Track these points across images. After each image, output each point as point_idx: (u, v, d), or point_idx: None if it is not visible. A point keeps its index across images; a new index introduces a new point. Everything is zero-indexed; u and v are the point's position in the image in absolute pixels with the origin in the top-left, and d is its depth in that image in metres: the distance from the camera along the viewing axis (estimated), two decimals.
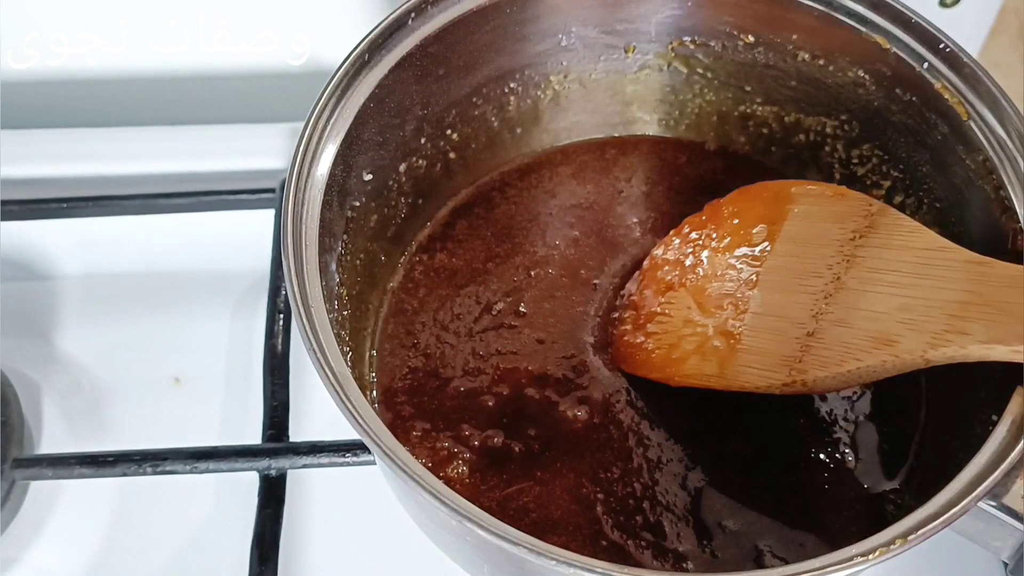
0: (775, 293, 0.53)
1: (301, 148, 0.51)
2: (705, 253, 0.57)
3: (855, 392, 0.57)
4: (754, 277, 0.54)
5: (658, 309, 0.57)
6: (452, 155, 0.64)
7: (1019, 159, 0.52)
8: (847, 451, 0.55)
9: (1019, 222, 0.51)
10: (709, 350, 0.54)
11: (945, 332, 0.46)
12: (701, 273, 0.57)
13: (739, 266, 0.55)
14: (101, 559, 0.61)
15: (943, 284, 0.47)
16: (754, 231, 0.56)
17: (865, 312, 0.49)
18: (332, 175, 0.52)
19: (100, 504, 0.63)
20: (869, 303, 0.50)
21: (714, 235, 0.57)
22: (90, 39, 0.76)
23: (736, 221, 0.57)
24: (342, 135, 0.53)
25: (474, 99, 0.63)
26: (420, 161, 0.62)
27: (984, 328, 0.45)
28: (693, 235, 0.58)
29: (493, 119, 0.65)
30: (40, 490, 0.63)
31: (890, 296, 0.49)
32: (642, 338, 0.57)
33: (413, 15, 0.56)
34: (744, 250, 0.56)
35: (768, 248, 0.55)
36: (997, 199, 0.53)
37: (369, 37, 0.54)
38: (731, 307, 0.54)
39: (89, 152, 0.76)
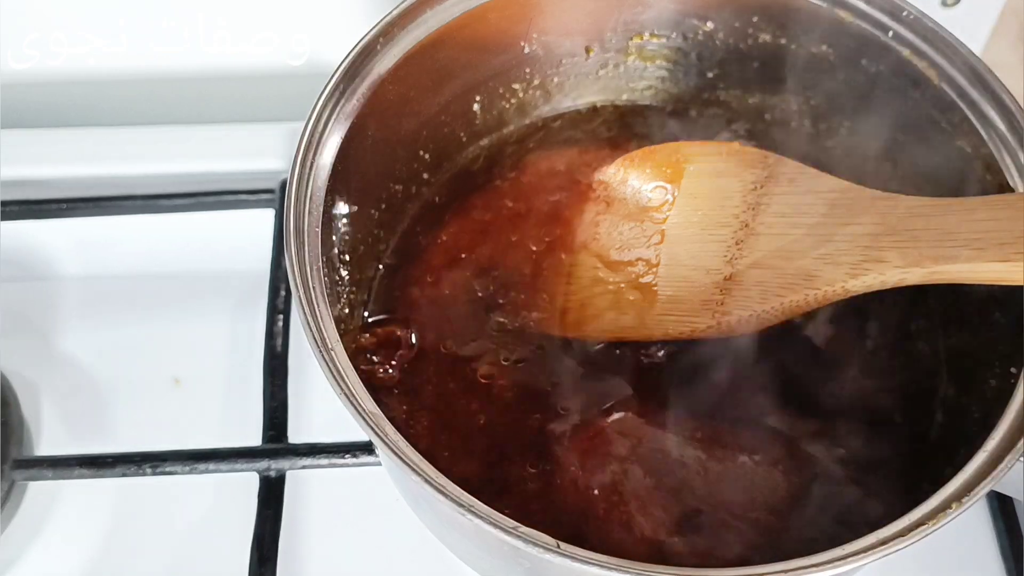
0: (684, 245, 0.56)
1: (303, 144, 0.51)
2: (602, 216, 0.60)
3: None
4: (659, 234, 0.57)
5: (569, 271, 0.59)
6: (453, 152, 0.64)
7: (994, 116, 0.53)
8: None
9: (1005, 178, 0.52)
10: (625, 303, 0.56)
11: (863, 262, 0.48)
12: (602, 234, 0.59)
13: (642, 225, 0.58)
14: (101, 560, 0.61)
15: (853, 220, 0.50)
16: (650, 192, 0.58)
17: (779, 252, 0.52)
18: (334, 171, 0.52)
19: (100, 505, 0.63)
20: (782, 244, 0.52)
21: (609, 199, 0.60)
22: (90, 39, 0.76)
23: (629, 185, 0.59)
24: (344, 130, 0.53)
25: (474, 95, 0.63)
26: (425, 154, 0.62)
27: (900, 254, 0.47)
28: (591, 202, 0.61)
29: (487, 115, 0.65)
30: (40, 491, 0.63)
31: (802, 236, 0.51)
32: (561, 300, 0.59)
33: (413, 14, 0.56)
34: (643, 210, 0.58)
35: (669, 206, 0.57)
36: (979, 156, 0.53)
37: (371, 34, 0.54)
38: (641, 263, 0.57)
39: (89, 152, 0.76)
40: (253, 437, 0.63)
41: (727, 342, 0.57)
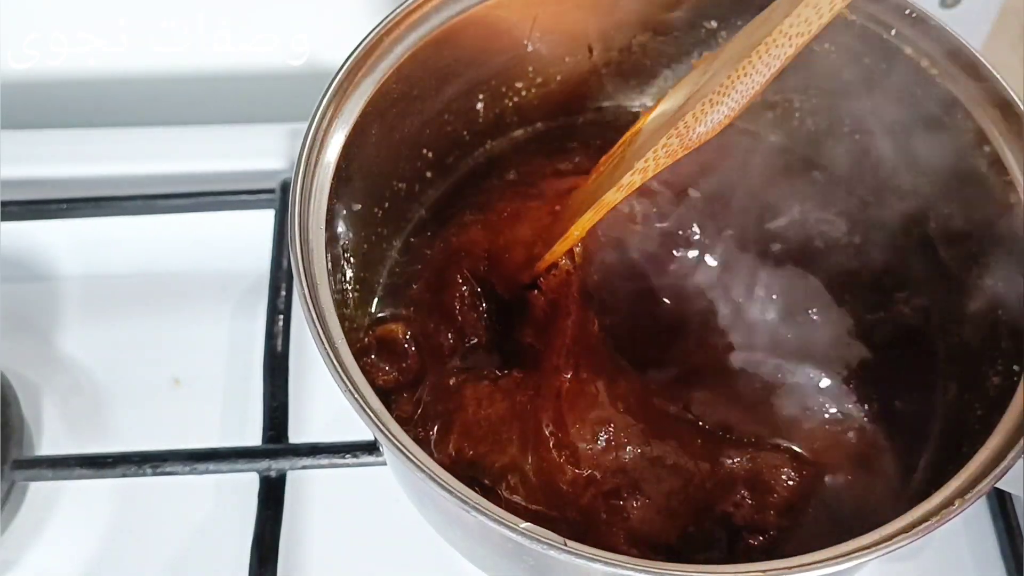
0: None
1: (307, 143, 0.51)
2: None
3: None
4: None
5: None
6: (456, 151, 0.64)
7: (996, 114, 0.53)
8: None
9: (1007, 176, 0.52)
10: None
11: None
12: None
13: None
14: (101, 560, 0.61)
15: None
16: None
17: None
18: (338, 169, 0.52)
19: (100, 505, 0.63)
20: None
21: None
22: (90, 39, 0.76)
23: None
24: (348, 128, 0.53)
25: (477, 94, 0.63)
26: (428, 152, 0.62)
27: None
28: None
29: (490, 114, 0.65)
30: (40, 491, 0.63)
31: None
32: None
33: (415, 14, 0.56)
34: None
35: None
36: (982, 155, 0.54)
37: (375, 32, 0.54)
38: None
39: (89, 152, 0.75)
40: (253, 437, 0.63)
41: (726, 341, 0.57)
